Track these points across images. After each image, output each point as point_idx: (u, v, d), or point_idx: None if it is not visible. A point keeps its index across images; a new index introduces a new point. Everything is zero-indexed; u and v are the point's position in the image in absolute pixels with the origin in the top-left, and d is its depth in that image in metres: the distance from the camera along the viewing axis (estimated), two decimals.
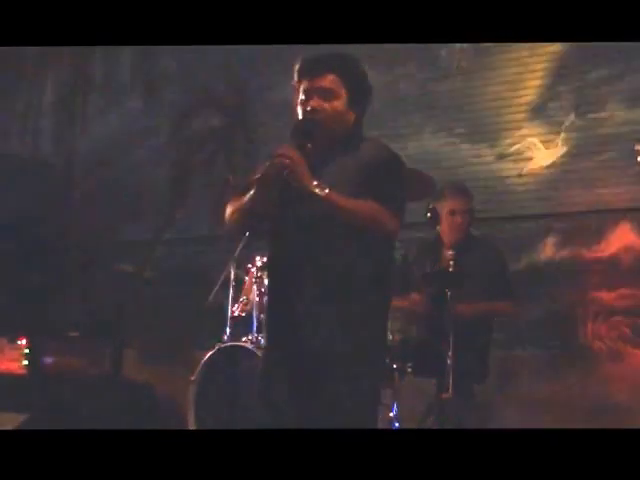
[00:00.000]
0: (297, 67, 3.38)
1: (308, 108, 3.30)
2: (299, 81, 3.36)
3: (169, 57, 7.85)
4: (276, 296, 3.39)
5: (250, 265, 5.57)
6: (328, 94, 3.29)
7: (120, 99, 8.19)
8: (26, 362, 6.13)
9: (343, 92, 3.30)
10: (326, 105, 3.29)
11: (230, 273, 5.79)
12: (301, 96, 3.34)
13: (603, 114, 6.02)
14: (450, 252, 5.05)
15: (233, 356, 5.30)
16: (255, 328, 5.41)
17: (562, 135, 6.12)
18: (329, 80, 3.29)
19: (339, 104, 3.30)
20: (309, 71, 3.34)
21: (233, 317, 5.59)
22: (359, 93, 3.35)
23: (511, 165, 6.28)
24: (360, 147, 3.35)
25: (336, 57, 3.36)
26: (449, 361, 4.73)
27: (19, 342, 6.20)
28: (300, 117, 3.34)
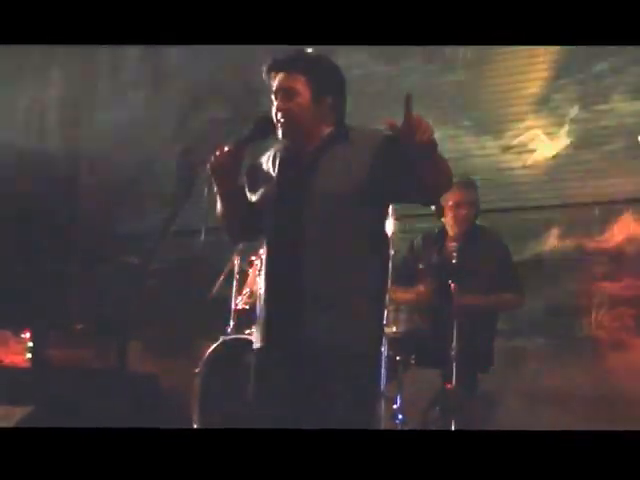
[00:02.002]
0: (264, 69, 3.39)
1: (274, 110, 3.31)
2: (269, 83, 3.38)
3: (175, 50, 7.85)
4: (273, 290, 3.40)
5: (254, 257, 5.57)
6: (291, 93, 3.28)
7: (126, 92, 8.20)
8: (30, 355, 6.15)
9: (306, 87, 3.27)
10: (290, 104, 3.28)
11: (234, 265, 5.80)
12: (272, 97, 3.37)
13: (606, 106, 6.02)
14: (454, 244, 5.05)
15: (237, 348, 5.31)
16: None
17: (566, 127, 6.13)
18: (290, 78, 3.28)
19: (303, 100, 3.27)
20: (273, 72, 3.34)
21: (237, 310, 5.60)
22: (326, 85, 3.32)
23: (515, 157, 6.29)
24: (349, 136, 3.34)
25: (298, 54, 3.37)
26: (453, 352, 4.74)
27: (23, 335, 6.21)
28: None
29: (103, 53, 8.32)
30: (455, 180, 5.08)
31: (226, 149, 3.33)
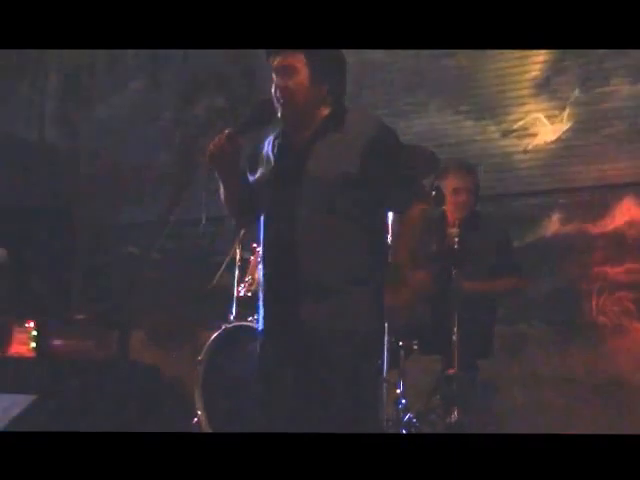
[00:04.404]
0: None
1: (273, 89, 3.34)
2: (268, 62, 3.40)
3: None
4: (271, 276, 3.41)
5: (255, 244, 5.57)
6: (290, 71, 3.31)
7: (125, 81, 8.18)
8: (34, 345, 6.16)
9: (306, 67, 3.31)
10: (289, 82, 3.31)
11: (236, 253, 5.80)
12: (272, 76, 3.39)
13: (607, 89, 5.99)
14: (455, 230, 5.04)
15: (239, 336, 5.32)
16: None
17: (567, 110, 6.10)
18: (291, 57, 3.31)
19: (302, 79, 3.31)
20: (274, 51, 3.37)
21: (239, 297, 5.60)
22: (326, 65, 3.35)
23: (516, 141, 6.26)
24: (345, 120, 3.35)
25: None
26: (454, 338, 4.74)
27: (27, 325, 6.22)
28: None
29: None
30: (455, 166, 5.18)
31: (224, 135, 3.35)
